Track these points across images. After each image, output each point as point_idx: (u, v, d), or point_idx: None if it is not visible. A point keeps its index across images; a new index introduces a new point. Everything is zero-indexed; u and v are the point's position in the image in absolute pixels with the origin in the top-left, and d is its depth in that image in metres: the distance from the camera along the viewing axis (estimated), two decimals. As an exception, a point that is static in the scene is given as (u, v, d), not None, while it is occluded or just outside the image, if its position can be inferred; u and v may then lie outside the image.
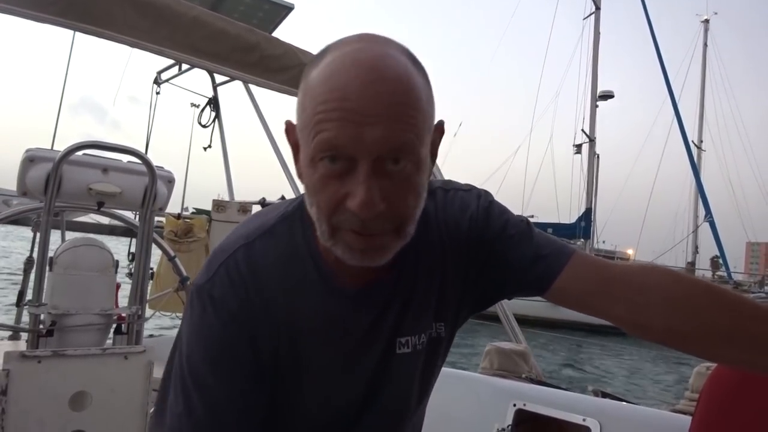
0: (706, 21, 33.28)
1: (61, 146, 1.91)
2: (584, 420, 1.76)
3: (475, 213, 0.82)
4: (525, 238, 0.81)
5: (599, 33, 22.57)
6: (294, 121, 0.71)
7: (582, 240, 20.17)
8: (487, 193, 0.86)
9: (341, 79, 0.63)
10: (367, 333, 0.78)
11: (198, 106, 4.27)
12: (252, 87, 3.59)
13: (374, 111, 0.61)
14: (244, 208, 4.04)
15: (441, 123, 0.72)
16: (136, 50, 2.27)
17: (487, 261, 0.82)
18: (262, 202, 4.24)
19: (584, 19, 23.04)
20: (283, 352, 0.75)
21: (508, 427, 1.87)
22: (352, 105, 0.61)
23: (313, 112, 0.64)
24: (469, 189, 0.86)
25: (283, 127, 0.74)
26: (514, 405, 1.90)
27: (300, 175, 0.72)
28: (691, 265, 26.30)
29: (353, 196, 0.63)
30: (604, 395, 2.41)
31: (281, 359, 0.75)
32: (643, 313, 0.74)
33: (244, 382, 0.72)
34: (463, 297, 0.84)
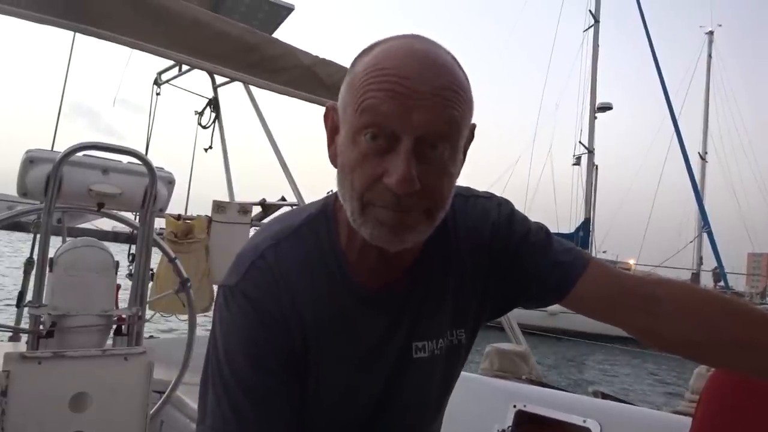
0: (711, 33, 33.07)
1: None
2: (585, 421, 1.76)
3: (497, 221, 0.83)
4: (545, 246, 0.82)
5: (598, 45, 22.83)
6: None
7: (580, 250, 20.16)
8: (507, 202, 0.87)
9: (395, 60, 0.65)
10: (383, 335, 0.79)
11: (205, 110, 4.26)
12: (252, 88, 3.59)
13: (424, 91, 0.64)
14: (244, 208, 4.02)
15: (474, 126, 0.73)
16: (135, 52, 2.26)
17: (509, 268, 0.82)
18: (263, 203, 4.24)
19: (584, 31, 23.21)
20: (309, 350, 0.75)
21: (508, 428, 1.87)
22: (404, 82, 0.63)
23: (361, 86, 0.66)
24: (490, 197, 0.87)
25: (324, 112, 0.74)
26: (515, 406, 1.90)
27: (333, 158, 0.73)
28: (696, 276, 26.14)
29: (391, 172, 0.64)
30: (605, 396, 2.41)
31: (307, 357, 0.75)
32: (657, 322, 0.75)
33: (287, 377, 0.73)
34: (483, 303, 0.85)
